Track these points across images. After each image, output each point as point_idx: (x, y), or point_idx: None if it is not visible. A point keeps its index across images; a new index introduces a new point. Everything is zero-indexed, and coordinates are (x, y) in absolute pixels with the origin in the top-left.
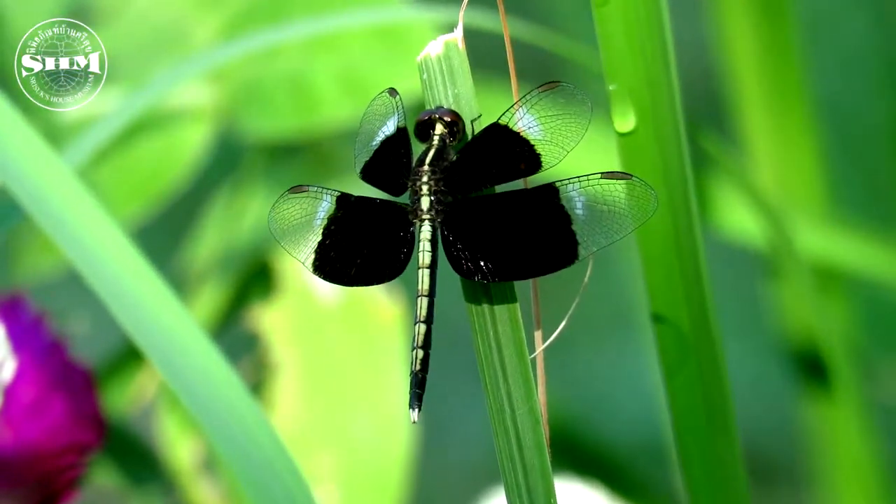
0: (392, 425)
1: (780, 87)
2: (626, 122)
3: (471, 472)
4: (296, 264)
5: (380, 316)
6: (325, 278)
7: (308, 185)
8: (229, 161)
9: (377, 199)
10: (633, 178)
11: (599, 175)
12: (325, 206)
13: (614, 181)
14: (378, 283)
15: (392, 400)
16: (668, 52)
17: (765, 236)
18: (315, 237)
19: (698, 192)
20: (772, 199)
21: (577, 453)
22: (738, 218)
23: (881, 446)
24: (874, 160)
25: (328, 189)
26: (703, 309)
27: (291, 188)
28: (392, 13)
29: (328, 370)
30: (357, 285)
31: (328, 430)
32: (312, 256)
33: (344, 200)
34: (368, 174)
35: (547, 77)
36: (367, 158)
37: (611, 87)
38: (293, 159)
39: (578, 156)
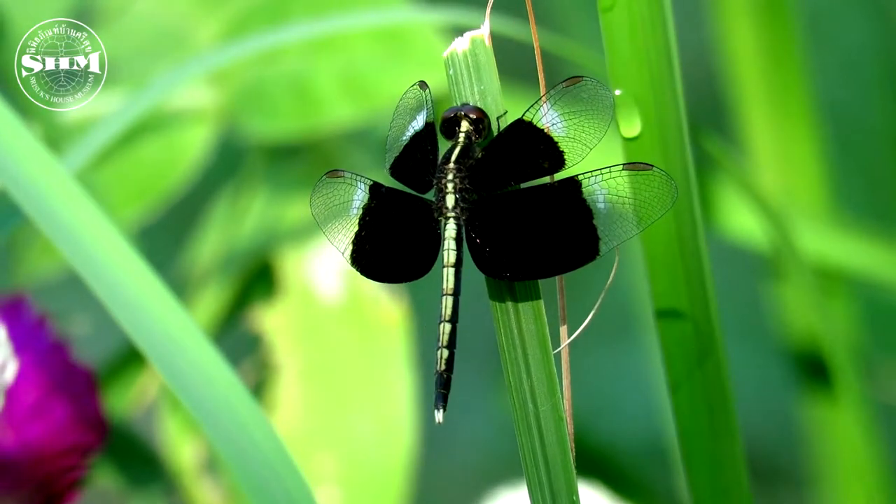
0: (394, 426)
1: (781, 89)
2: (631, 127)
3: (473, 473)
4: (298, 265)
5: (382, 316)
6: (361, 272)
7: (344, 171)
8: (231, 162)
9: (406, 192)
10: (654, 169)
11: (621, 166)
12: (360, 195)
13: (635, 173)
14: (407, 280)
15: (394, 401)
16: (673, 57)
17: (767, 238)
18: (352, 227)
19: (701, 195)
20: (774, 200)
21: (579, 454)
22: (740, 220)
23: (882, 447)
24: (875, 162)
25: (361, 176)
26: (707, 310)
27: (328, 172)
28: (394, 15)
29: (330, 371)
30: (389, 282)
31: (330, 430)
32: (350, 248)
33: (376, 190)
34: (396, 170)
35: (553, 82)
36: (396, 154)
37: (616, 93)
38: (295, 161)
39: (589, 161)
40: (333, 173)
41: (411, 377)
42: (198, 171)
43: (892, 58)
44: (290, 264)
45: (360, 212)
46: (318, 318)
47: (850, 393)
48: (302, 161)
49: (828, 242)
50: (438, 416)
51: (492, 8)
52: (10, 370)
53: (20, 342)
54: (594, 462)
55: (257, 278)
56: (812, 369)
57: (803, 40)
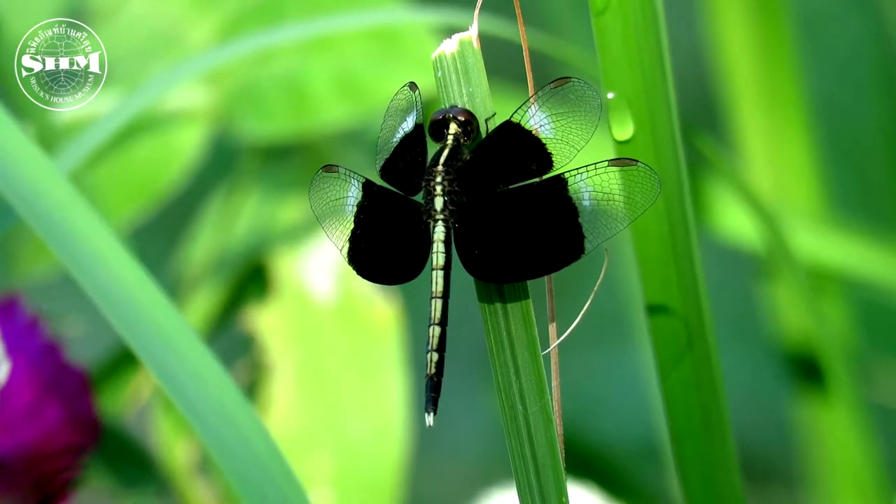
0: (387, 426)
1: (775, 89)
2: (624, 130)
3: (466, 474)
4: (291, 266)
5: (375, 317)
6: (358, 272)
7: (338, 166)
8: (225, 163)
9: (397, 193)
10: (639, 164)
11: (607, 163)
12: (354, 192)
13: (620, 168)
14: (399, 282)
15: (387, 401)
16: (665, 60)
17: (760, 238)
18: (348, 225)
19: (694, 195)
20: (767, 201)
21: (571, 455)
22: (733, 220)
23: (876, 448)
24: (869, 162)
25: (355, 173)
26: (699, 311)
27: (324, 167)
28: (388, 15)
29: (324, 371)
30: (382, 283)
31: (324, 431)
32: (347, 246)
33: (368, 188)
34: (386, 172)
35: (545, 83)
36: (387, 156)
37: (609, 96)
38: (288, 161)
39: (577, 163)
40: (329, 168)
41: (404, 378)
42: (191, 172)
43: (885, 58)
44: (283, 265)
45: (355, 209)
46: (312, 318)
47: (843, 393)
48: (295, 162)
49: (821, 242)
50: (429, 419)
51: (482, 8)
52: (3, 371)
53: (13, 343)
54: (586, 462)
55: (250, 279)
56: (805, 370)
57: (797, 40)
